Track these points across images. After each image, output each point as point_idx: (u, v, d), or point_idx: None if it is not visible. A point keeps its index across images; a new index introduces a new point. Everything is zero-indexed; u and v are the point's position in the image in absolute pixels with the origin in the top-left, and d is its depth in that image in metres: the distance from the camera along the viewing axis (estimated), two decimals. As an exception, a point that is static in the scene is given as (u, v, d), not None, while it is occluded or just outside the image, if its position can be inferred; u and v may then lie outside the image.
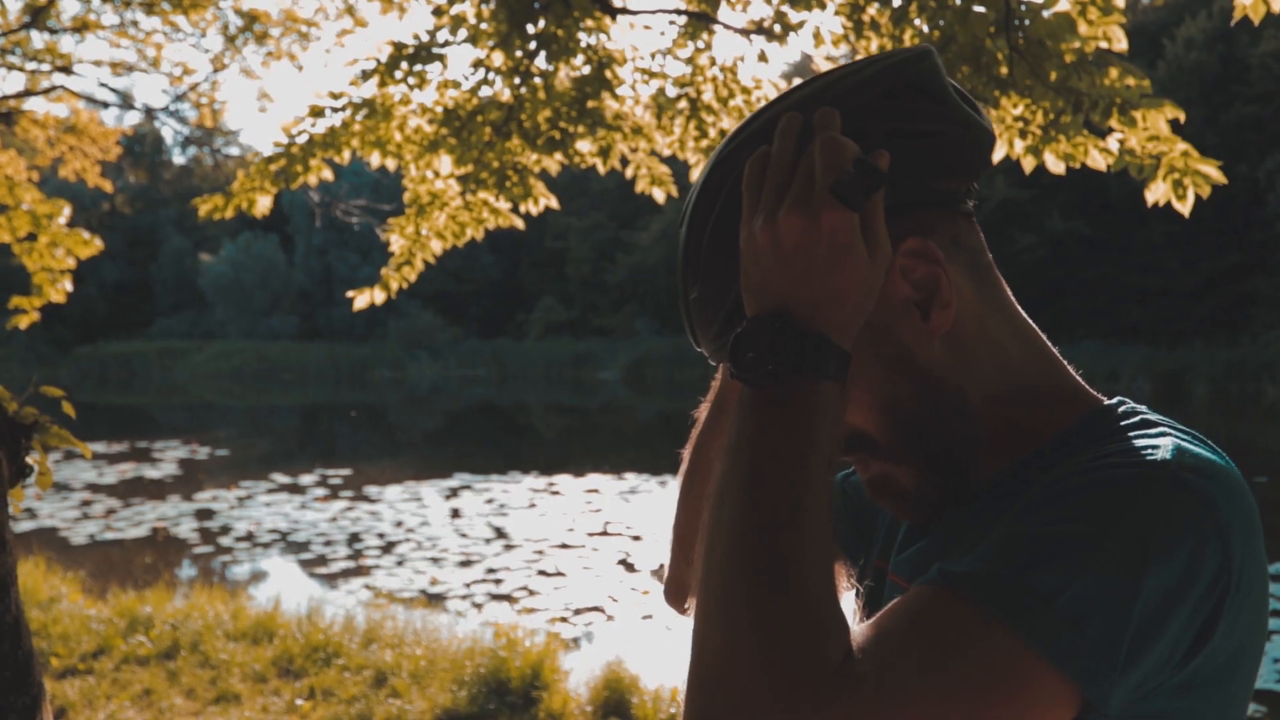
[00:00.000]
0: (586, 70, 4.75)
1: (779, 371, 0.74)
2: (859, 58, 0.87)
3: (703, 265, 0.85)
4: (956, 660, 0.66)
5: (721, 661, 0.67)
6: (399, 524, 10.80)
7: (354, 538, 10.17)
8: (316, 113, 4.83)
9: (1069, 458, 0.78)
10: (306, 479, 14.00)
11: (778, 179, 0.77)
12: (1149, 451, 0.73)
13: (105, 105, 9.65)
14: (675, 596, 1.14)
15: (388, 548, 9.71)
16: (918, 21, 3.46)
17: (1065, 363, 0.87)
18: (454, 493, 12.76)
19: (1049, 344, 0.87)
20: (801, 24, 4.37)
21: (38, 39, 8.27)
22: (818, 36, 4.32)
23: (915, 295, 0.81)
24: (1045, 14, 3.09)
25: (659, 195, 5.35)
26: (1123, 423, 0.81)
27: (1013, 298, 0.87)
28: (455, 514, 11.37)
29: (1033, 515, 0.71)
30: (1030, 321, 0.87)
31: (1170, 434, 0.77)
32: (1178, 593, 0.68)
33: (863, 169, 0.75)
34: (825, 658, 0.66)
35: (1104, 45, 3.10)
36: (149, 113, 10.61)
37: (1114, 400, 0.85)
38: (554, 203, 5.11)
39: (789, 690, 0.65)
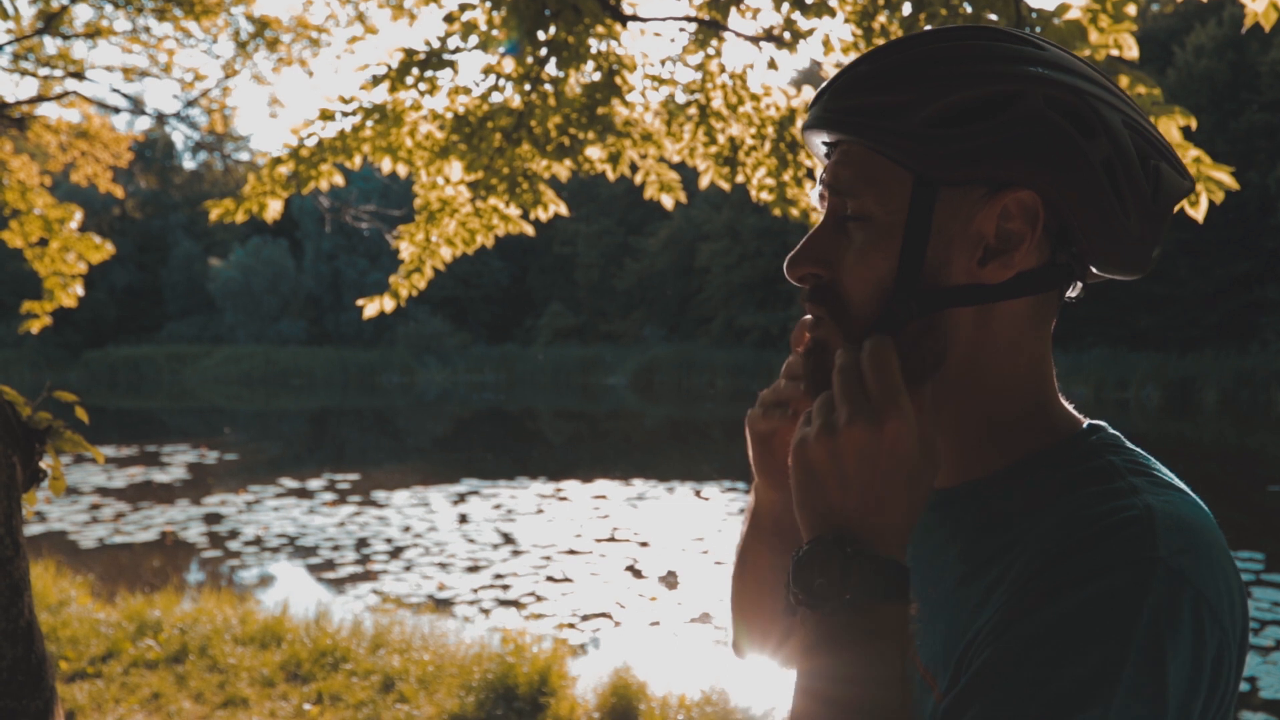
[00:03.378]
0: (597, 77, 4.76)
1: (857, 600, 0.73)
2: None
3: (909, 66, 0.81)
4: None
5: None
6: (407, 529, 10.81)
7: (362, 543, 10.18)
8: (327, 117, 4.84)
9: (1044, 507, 0.78)
10: (315, 484, 14.02)
11: (849, 389, 0.78)
12: (1136, 534, 0.72)
13: (117, 110, 9.70)
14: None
15: (395, 553, 9.71)
16: (928, 29, 3.45)
17: (1057, 390, 0.88)
18: (462, 498, 12.77)
19: (1052, 373, 0.88)
20: (811, 31, 4.37)
21: (50, 45, 8.32)
22: (827, 44, 4.32)
23: (991, 241, 0.81)
24: (1056, 21, 3.09)
25: (668, 202, 5.35)
26: (1095, 461, 0.81)
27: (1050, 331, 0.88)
28: (463, 519, 11.37)
29: (1038, 649, 0.70)
30: (1050, 360, 0.87)
31: (1143, 489, 0.76)
32: (1193, 686, 0.70)
33: None
34: None
35: (1115, 53, 3.10)
36: (160, 118, 10.65)
37: (1087, 426, 0.86)
38: (563, 209, 5.12)
39: None
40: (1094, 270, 0.85)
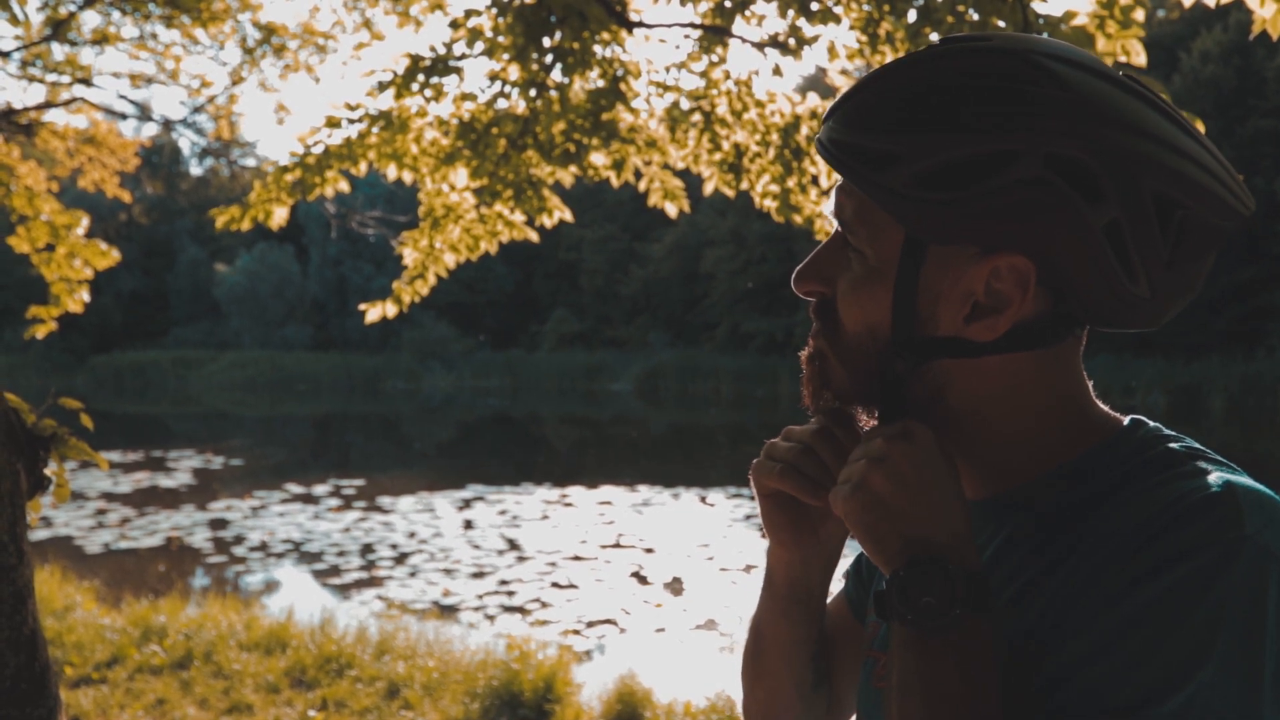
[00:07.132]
0: (601, 83, 4.77)
1: (964, 615, 0.75)
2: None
3: (909, 105, 0.77)
4: None
5: None
6: (412, 535, 10.81)
7: (367, 548, 10.18)
8: (333, 124, 4.86)
9: (1110, 499, 0.78)
10: (320, 489, 14.02)
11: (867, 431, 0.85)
12: (1224, 513, 0.72)
13: (124, 117, 9.74)
14: None
15: (400, 559, 9.71)
16: (934, 36, 3.45)
17: (1092, 398, 0.86)
18: (467, 504, 12.76)
19: (1084, 389, 0.85)
20: (816, 38, 4.37)
21: (58, 51, 8.35)
22: (832, 50, 4.32)
23: (980, 299, 0.79)
24: (1063, 28, 3.09)
25: (671, 209, 5.35)
26: (1154, 450, 0.81)
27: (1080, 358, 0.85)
28: (468, 525, 11.37)
29: (1132, 633, 0.71)
30: (1079, 379, 0.85)
31: (1213, 470, 0.77)
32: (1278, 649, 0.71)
33: None
34: None
35: (1123, 59, 3.09)
36: (167, 124, 10.69)
37: (1130, 422, 0.85)
38: (568, 215, 5.12)
39: None
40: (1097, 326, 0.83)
